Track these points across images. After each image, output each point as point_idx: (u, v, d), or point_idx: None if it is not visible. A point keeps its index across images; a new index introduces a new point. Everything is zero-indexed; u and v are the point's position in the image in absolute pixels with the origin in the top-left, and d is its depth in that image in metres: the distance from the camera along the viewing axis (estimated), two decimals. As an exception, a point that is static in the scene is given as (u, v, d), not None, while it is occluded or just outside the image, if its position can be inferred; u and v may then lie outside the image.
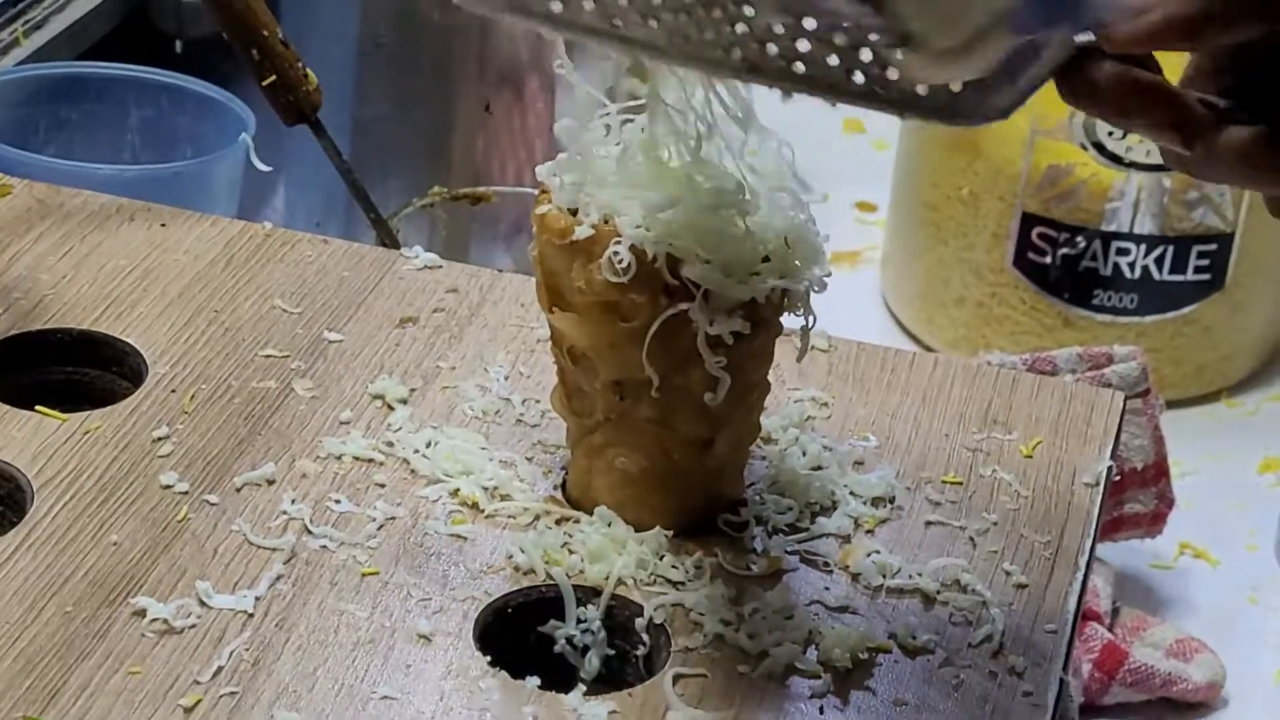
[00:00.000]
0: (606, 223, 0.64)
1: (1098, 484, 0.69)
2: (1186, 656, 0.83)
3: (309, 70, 0.79)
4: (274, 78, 0.78)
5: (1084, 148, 0.91)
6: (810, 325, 0.66)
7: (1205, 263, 0.93)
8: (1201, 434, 0.92)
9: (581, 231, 0.63)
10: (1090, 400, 0.75)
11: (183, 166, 0.94)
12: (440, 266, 0.79)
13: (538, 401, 0.71)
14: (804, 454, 0.68)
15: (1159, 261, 0.93)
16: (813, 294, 0.64)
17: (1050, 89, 0.78)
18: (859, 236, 1.18)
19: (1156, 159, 0.92)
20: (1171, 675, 0.81)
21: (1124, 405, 0.77)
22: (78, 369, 0.72)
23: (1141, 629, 0.84)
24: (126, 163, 0.95)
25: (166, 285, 0.75)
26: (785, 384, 0.74)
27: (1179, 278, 0.93)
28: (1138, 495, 0.82)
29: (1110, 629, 0.83)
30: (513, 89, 0.87)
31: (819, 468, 0.68)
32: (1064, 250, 0.93)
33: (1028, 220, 0.93)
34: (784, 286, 0.63)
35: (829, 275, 0.63)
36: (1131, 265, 0.92)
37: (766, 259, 0.64)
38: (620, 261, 0.62)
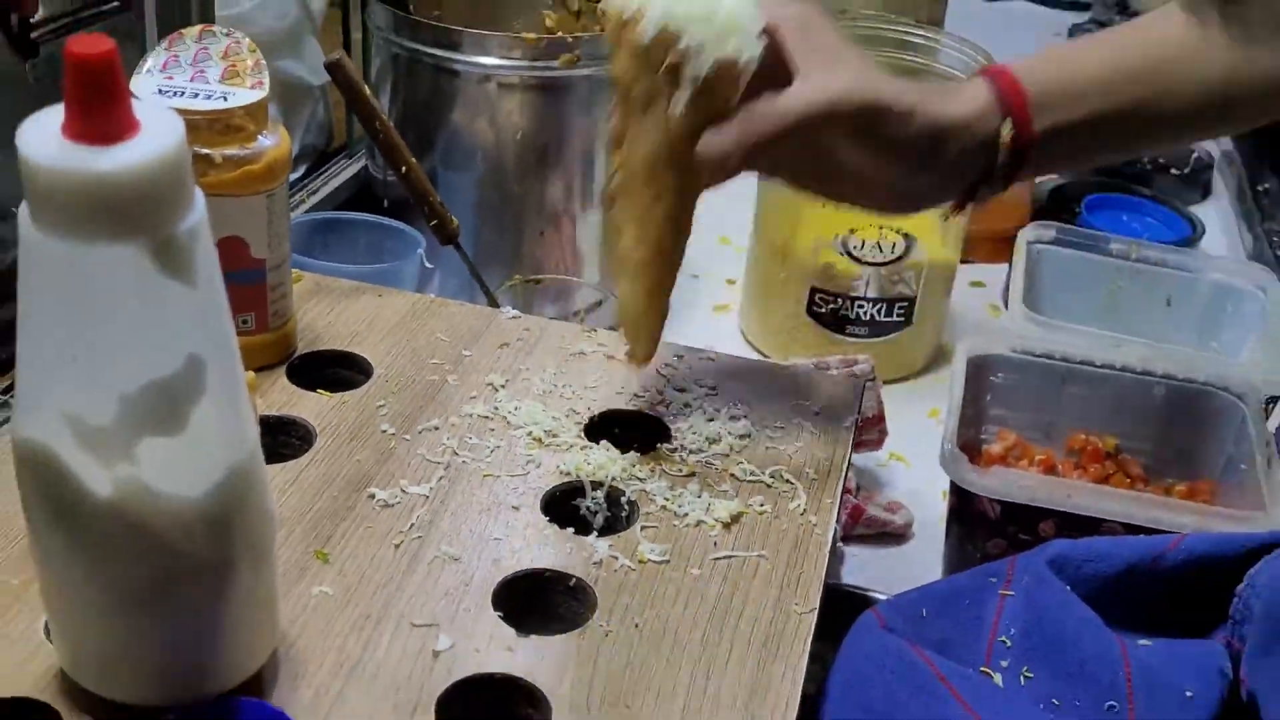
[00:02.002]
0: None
1: (851, 425, 0.78)
2: (894, 510, 0.94)
3: (453, 216, 0.90)
4: (435, 221, 0.88)
5: (844, 254, 1.05)
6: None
7: (903, 312, 1.06)
8: (902, 398, 1.03)
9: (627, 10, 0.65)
10: (847, 383, 0.83)
11: (388, 266, 0.99)
12: (520, 317, 0.85)
13: (570, 386, 0.79)
14: (704, 413, 0.77)
15: (880, 311, 1.06)
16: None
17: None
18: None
19: (880, 259, 1.06)
20: (886, 520, 0.93)
21: (863, 385, 0.84)
22: (338, 370, 0.79)
23: (871, 498, 0.96)
24: (360, 264, 0.98)
25: (382, 326, 0.83)
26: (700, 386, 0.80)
27: (890, 319, 1.06)
28: (871, 430, 0.94)
29: (855, 496, 0.94)
30: (556, 223, 1.03)
31: (711, 420, 0.76)
32: (832, 306, 1.06)
33: (813, 290, 1.06)
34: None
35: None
36: (866, 313, 1.06)
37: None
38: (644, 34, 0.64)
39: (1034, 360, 0.96)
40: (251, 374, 0.59)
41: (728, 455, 0.74)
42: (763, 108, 0.66)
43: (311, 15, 1.10)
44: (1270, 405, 0.94)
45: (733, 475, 0.73)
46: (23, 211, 0.46)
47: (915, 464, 1.01)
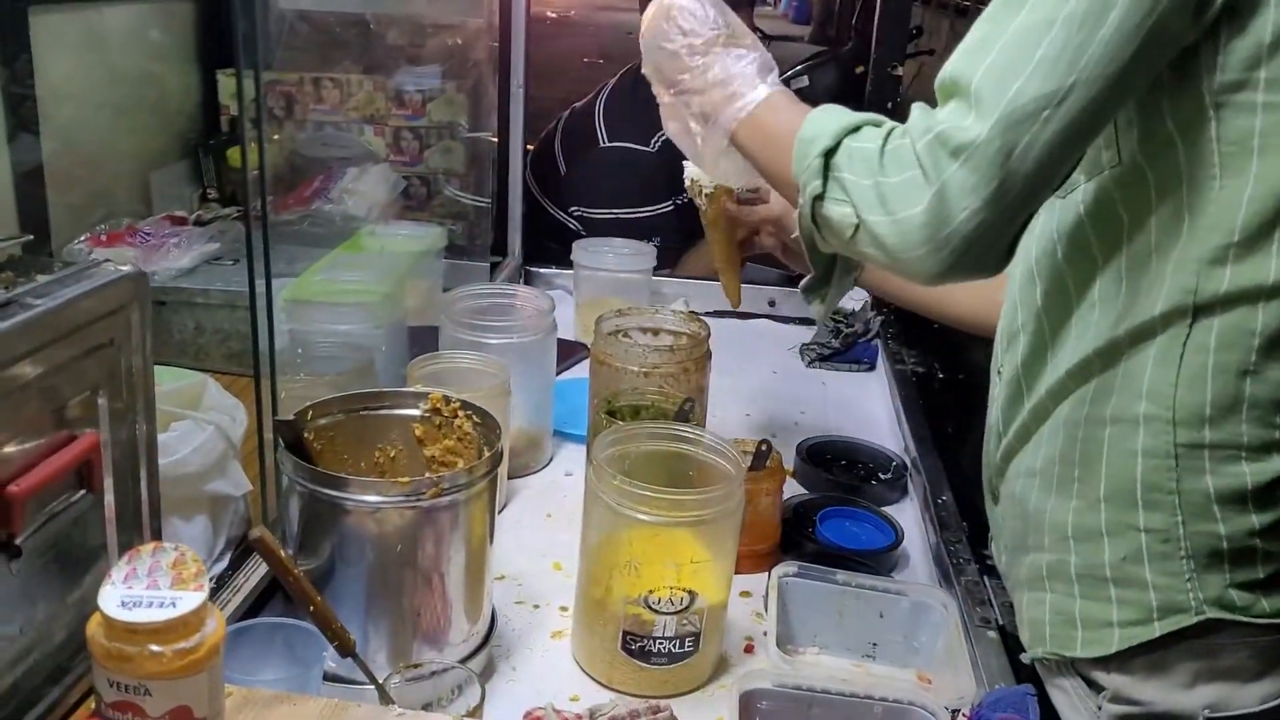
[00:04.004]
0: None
1: None
2: None
3: (350, 635, 0.93)
4: (337, 642, 0.93)
5: (645, 607, 1.07)
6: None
7: (693, 643, 1.08)
8: (693, 707, 1.06)
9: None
10: None
11: (303, 673, 0.95)
12: (404, 714, 0.93)
13: None
14: None
15: (675, 645, 1.08)
16: None
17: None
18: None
19: (673, 609, 1.08)
20: None
21: None
22: None
23: None
24: (278, 660, 0.95)
25: None
26: None
27: (683, 650, 1.10)
28: None
29: None
30: (431, 604, 1.02)
31: None
32: (640, 644, 1.06)
33: (625, 633, 1.07)
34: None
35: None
36: (664, 648, 1.09)
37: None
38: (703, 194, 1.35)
39: (787, 690, 1.02)
40: None
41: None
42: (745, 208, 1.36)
43: (234, 446, 1.13)
44: (954, 713, 1.01)
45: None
46: None
47: None
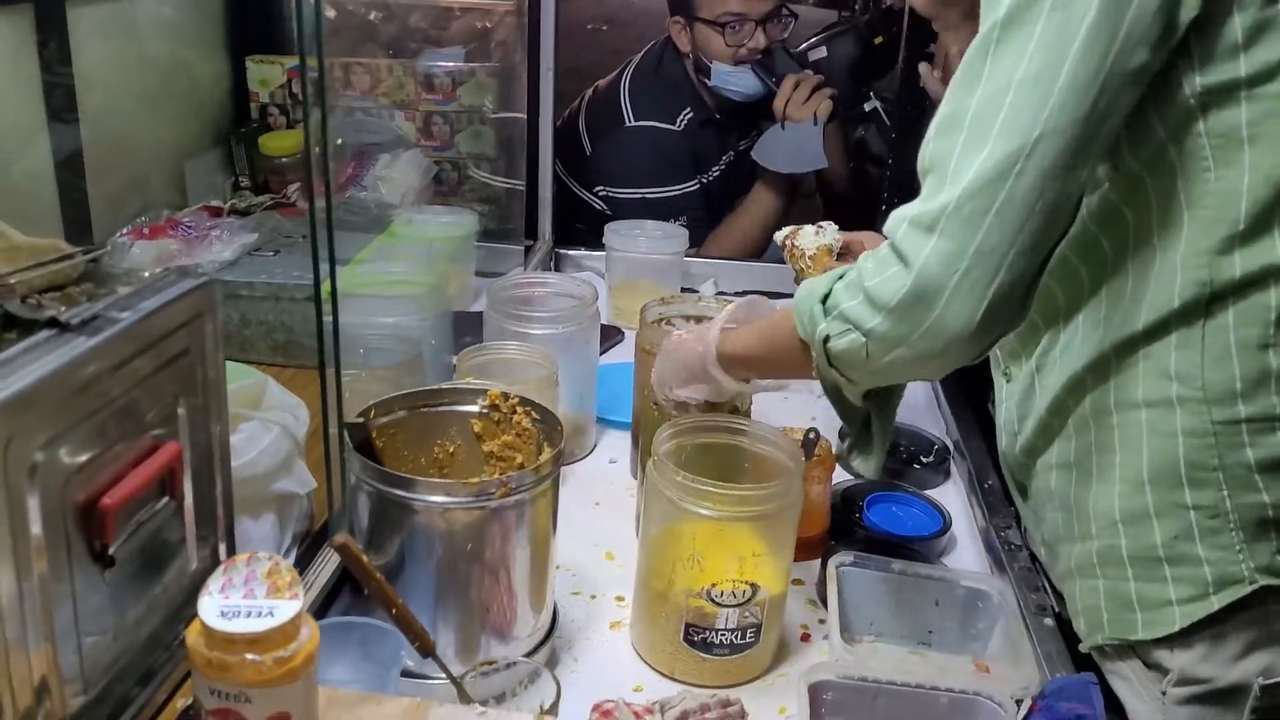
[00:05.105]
0: None
1: None
2: None
3: (430, 636, 0.93)
4: (418, 643, 0.94)
5: (708, 600, 1.09)
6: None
7: (754, 634, 1.11)
8: (756, 697, 1.08)
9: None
10: None
11: (384, 673, 0.97)
12: (485, 713, 0.90)
13: None
14: None
15: (737, 637, 1.09)
16: None
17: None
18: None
19: (735, 602, 1.09)
20: None
21: None
22: None
23: None
24: (355, 658, 0.96)
25: None
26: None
27: (745, 641, 1.10)
28: None
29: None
30: (500, 604, 1.02)
31: None
32: (702, 636, 1.07)
33: (688, 625, 1.08)
34: None
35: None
36: (726, 640, 1.08)
37: None
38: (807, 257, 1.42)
39: (852, 682, 1.03)
40: None
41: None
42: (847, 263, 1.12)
43: (298, 445, 1.15)
44: (1018, 702, 1.03)
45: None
46: None
47: None
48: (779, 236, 1.49)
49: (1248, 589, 0.91)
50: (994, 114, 0.80)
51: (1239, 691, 0.94)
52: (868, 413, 1.04)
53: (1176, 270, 0.89)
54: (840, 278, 0.93)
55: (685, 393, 1.22)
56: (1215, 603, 0.92)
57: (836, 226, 1.46)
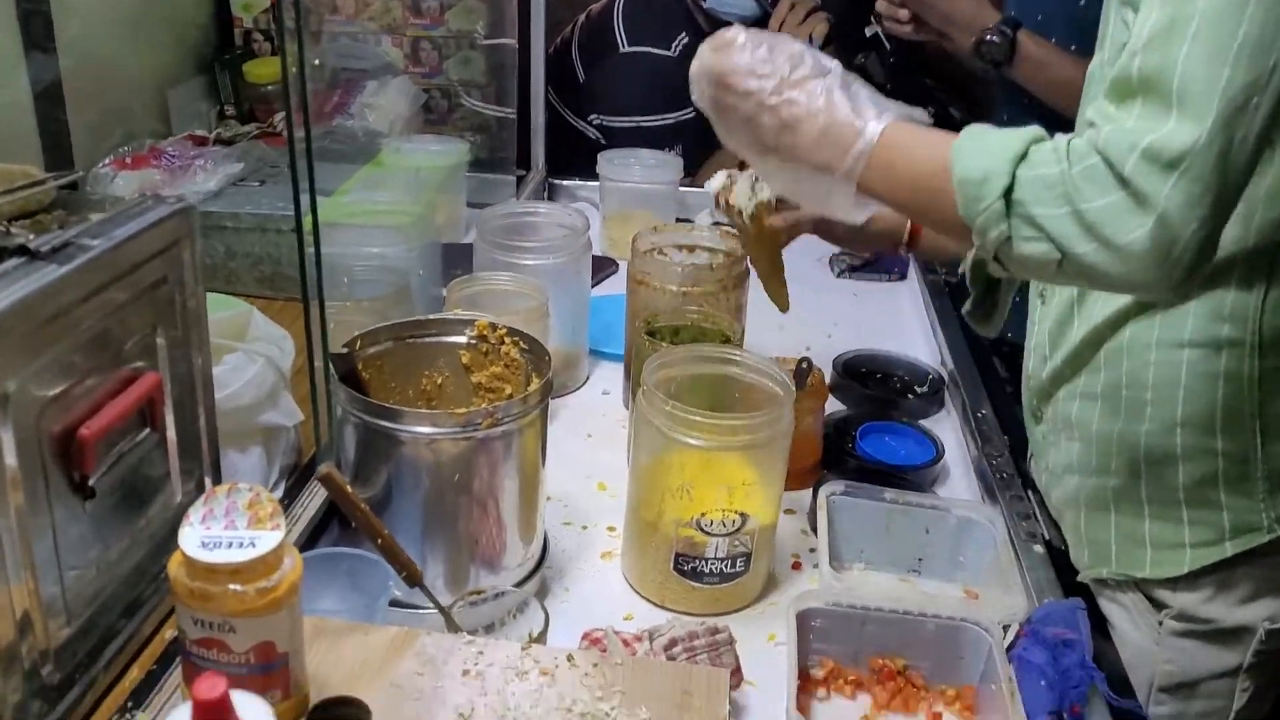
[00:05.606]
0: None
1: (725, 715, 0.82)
2: None
3: (417, 565, 0.93)
4: (405, 573, 0.93)
5: (698, 529, 1.09)
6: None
7: (744, 563, 1.10)
8: (745, 624, 1.09)
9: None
10: (717, 675, 0.88)
11: (372, 603, 0.96)
12: (473, 641, 0.87)
13: (520, 707, 0.81)
14: None
15: (726, 565, 1.09)
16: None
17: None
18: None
19: (724, 531, 1.10)
20: None
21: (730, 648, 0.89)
22: (344, 710, 0.83)
23: None
24: (344, 589, 0.96)
25: (371, 666, 0.84)
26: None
27: (734, 570, 1.10)
28: (733, 679, 0.96)
29: None
30: (487, 530, 1.02)
31: None
32: (692, 565, 1.08)
33: (678, 555, 1.09)
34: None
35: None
36: (716, 569, 1.09)
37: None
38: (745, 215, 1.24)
39: (841, 610, 1.03)
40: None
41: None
42: (787, 213, 1.24)
43: (284, 377, 1.14)
44: (1005, 628, 1.03)
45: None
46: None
47: (762, 686, 1.03)
48: (711, 186, 1.31)
49: (1265, 538, 0.90)
50: (1232, 28, 0.69)
51: (1241, 633, 0.94)
52: (996, 280, 0.93)
53: (1258, 207, 0.84)
54: (1023, 157, 0.78)
55: (763, 171, 1.00)
56: (1229, 549, 0.91)
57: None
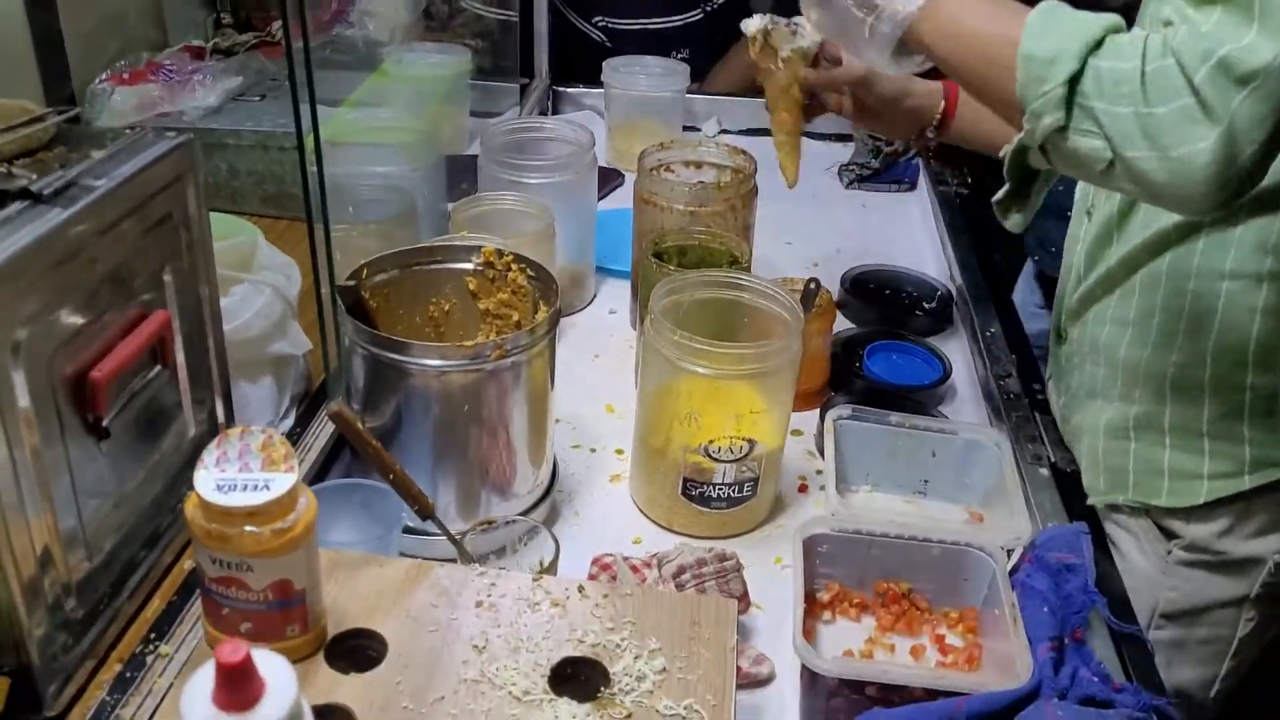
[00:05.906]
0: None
1: (734, 645, 0.83)
2: (760, 664, 0.98)
3: (429, 499, 0.94)
4: (417, 506, 0.94)
5: (705, 455, 1.09)
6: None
7: (751, 488, 1.12)
8: (752, 547, 1.10)
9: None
10: (726, 604, 0.89)
11: (386, 535, 0.98)
12: (485, 572, 0.88)
13: (532, 637, 0.83)
14: (632, 651, 0.83)
15: (734, 490, 1.10)
16: None
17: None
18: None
19: (732, 458, 1.11)
20: (755, 673, 0.95)
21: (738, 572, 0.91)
22: (360, 641, 0.82)
23: (742, 652, 0.97)
24: (359, 520, 0.99)
25: (388, 598, 0.85)
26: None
27: (742, 495, 1.11)
28: (741, 603, 0.96)
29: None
30: (496, 454, 1.06)
31: (637, 657, 0.82)
32: (700, 490, 1.09)
33: (685, 480, 1.09)
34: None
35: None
36: (724, 494, 1.10)
37: None
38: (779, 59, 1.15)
39: (846, 535, 1.05)
40: None
41: (652, 692, 0.80)
42: (825, 73, 1.13)
43: (291, 306, 1.14)
44: (1009, 551, 1.05)
45: (659, 711, 0.79)
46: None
47: (769, 610, 1.05)
48: (750, 27, 1.22)
49: None
50: None
51: (1250, 564, 0.95)
52: (1035, 172, 0.88)
53: None
54: (1098, 44, 0.74)
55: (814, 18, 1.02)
56: (1248, 482, 0.91)
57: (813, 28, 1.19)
